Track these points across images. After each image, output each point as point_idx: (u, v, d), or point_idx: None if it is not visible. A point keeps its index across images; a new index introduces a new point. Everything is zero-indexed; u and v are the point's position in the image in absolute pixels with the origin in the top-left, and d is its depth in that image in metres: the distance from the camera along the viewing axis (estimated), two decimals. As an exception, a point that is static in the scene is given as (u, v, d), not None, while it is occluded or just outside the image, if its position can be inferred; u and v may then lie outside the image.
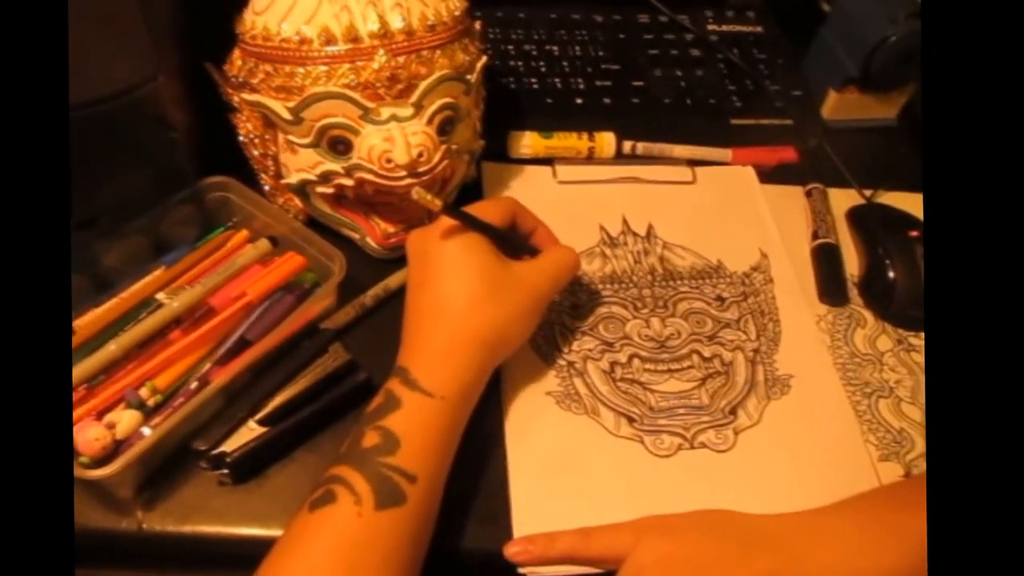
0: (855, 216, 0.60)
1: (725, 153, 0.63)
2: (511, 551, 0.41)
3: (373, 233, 0.52)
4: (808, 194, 0.62)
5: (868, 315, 0.56)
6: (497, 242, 0.46)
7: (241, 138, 0.51)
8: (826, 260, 0.57)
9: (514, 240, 0.48)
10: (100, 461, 0.39)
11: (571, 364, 0.50)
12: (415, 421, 0.39)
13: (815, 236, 0.59)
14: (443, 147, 0.47)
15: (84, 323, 0.45)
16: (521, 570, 0.41)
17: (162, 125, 0.47)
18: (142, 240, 0.49)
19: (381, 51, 0.44)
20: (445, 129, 0.48)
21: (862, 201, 0.62)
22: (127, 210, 0.48)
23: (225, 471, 0.42)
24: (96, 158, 0.46)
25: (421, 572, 0.39)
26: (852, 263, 0.59)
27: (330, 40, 0.44)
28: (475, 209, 0.46)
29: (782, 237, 0.59)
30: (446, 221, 0.45)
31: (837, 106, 0.68)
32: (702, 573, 0.38)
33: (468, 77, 0.49)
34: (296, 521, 0.36)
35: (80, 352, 0.43)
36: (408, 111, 0.46)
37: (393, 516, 0.36)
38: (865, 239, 0.59)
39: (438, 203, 0.43)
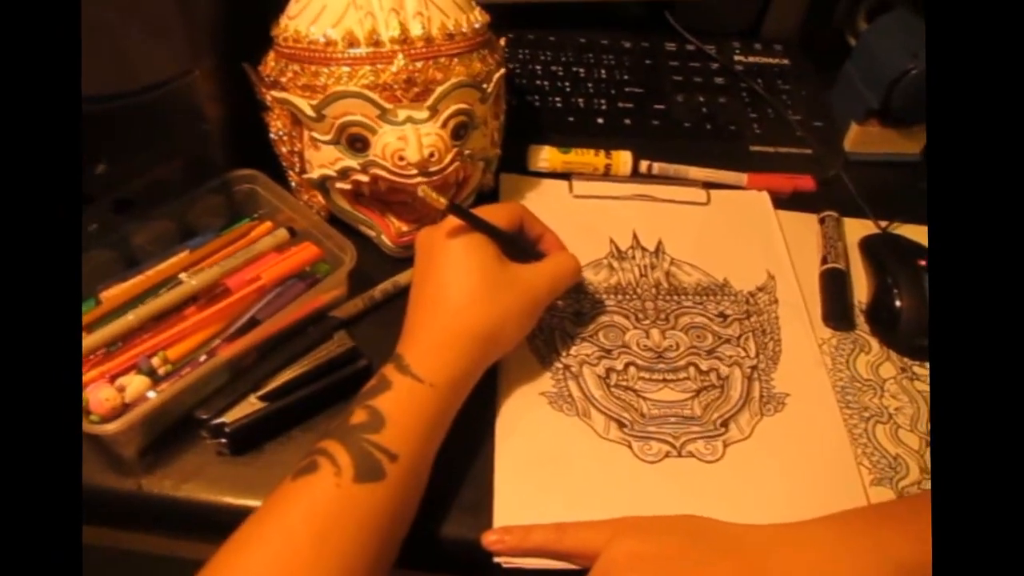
0: (867, 244, 0.61)
1: (740, 177, 0.64)
2: (488, 539, 0.42)
3: (388, 231, 0.54)
4: (822, 221, 0.62)
5: (873, 342, 0.56)
6: (500, 244, 0.47)
7: (271, 135, 0.54)
8: (833, 284, 0.58)
9: (518, 243, 0.49)
10: (109, 420, 0.42)
11: (567, 367, 0.51)
12: (402, 403, 0.41)
13: (824, 261, 0.59)
14: (455, 150, 0.50)
15: (110, 295, 0.48)
16: (496, 559, 0.42)
17: (196, 117, 0.50)
18: (170, 224, 0.52)
19: (400, 55, 0.47)
20: (459, 134, 0.50)
21: (876, 231, 0.62)
22: (159, 195, 0.51)
23: (223, 441, 0.44)
24: (134, 145, 0.49)
25: (400, 553, 0.41)
26: (862, 291, 0.59)
27: (353, 43, 0.47)
28: (482, 211, 0.48)
29: (792, 261, 0.60)
30: (453, 221, 0.47)
31: (859, 139, 0.68)
32: (671, 572, 0.38)
33: (484, 86, 0.51)
34: (279, 488, 0.38)
35: (103, 320, 0.46)
36: (424, 114, 0.49)
37: (370, 490, 0.38)
38: (875, 267, 0.59)
39: (443, 201, 0.45)
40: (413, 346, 0.44)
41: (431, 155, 0.48)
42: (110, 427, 0.40)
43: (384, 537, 0.39)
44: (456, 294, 0.45)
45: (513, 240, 0.49)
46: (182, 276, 0.49)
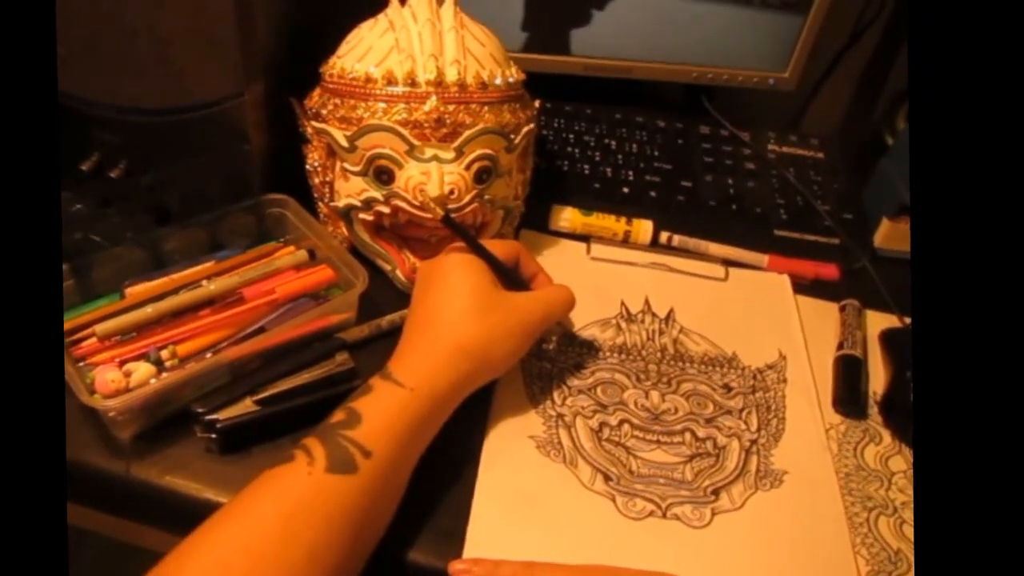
0: (887, 337, 0.60)
1: (761, 258, 0.65)
2: (455, 568, 0.41)
3: (403, 266, 0.56)
4: (842, 309, 0.62)
5: (885, 434, 0.54)
6: (495, 271, 0.50)
7: (307, 166, 0.57)
8: (847, 371, 0.57)
9: (512, 275, 0.51)
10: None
11: (560, 416, 0.51)
12: (379, 403, 0.42)
13: (840, 347, 0.58)
14: (475, 191, 0.52)
15: (134, 291, 0.50)
16: (461, 590, 0.41)
17: (240, 139, 0.54)
18: (202, 235, 0.55)
19: (434, 97, 0.50)
20: (481, 178, 0.53)
21: (899, 325, 0.61)
22: (195, 208, 0.55)
23: (214, 437, 0.45)
24: (179, 157, 0.53)
25: (365, 572, 0.40)
26: (878, 382, 0.57)
27: (392, 81, 0.50)
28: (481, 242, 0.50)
29: (807, 345, 0.59)
30: (450, 250, 0.49)
31: (890, 234, 0.68)
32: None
33: (512, 136, 0.54)
34: (257, 476, 0.39)
35: (124, 311, 0.48)
36: (450, 154, 0.51)
37: (342, 481, 0.38)
38: (894, 360, 0.58)
39: (439, 211, 0.48)
40: (400, 359, 0.45)
41: (451, 192, 0.50)
42: (111, 403, 0.42)
43: (354, 531, 0.38)
44: (447, 311, 0.47)
45: (507, 271, 0.51)
46: (203, 282, 0.51)
